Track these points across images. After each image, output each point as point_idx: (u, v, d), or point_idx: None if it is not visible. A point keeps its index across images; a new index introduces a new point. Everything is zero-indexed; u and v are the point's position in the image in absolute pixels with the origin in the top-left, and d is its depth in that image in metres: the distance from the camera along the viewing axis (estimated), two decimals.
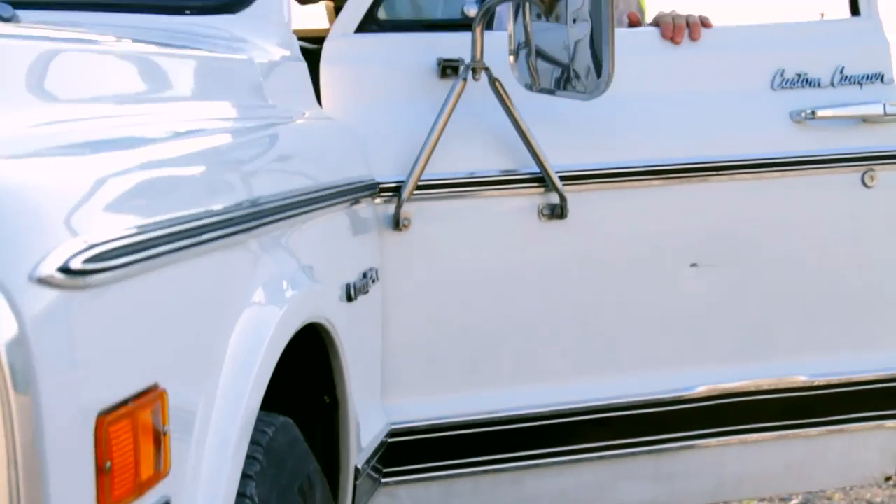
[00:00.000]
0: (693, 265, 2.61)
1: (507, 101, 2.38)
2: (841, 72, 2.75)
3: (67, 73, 1.58)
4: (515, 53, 2.33)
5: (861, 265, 2.78)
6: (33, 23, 2.22)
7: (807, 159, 2.69)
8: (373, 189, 2.30)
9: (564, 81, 2.24)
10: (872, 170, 2.74)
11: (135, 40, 2.10)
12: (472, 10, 2.50)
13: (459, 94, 2.33)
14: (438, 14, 2.77)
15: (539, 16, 2.24)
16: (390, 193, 2.34)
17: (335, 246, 2.14)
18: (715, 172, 2.61)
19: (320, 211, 1.99)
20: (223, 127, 1.82)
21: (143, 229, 1.31)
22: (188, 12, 2.30)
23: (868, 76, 2.76)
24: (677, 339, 2.63)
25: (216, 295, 1.55)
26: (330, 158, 2.22)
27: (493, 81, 2.37)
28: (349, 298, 2.11)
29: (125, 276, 1.26)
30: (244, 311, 1.60)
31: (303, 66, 2.33)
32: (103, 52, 1.82)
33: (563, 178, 2.46)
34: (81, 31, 2.17)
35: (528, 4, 2.27)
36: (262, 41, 2.27)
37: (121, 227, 1.28)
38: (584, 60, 2.19)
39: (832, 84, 2.74)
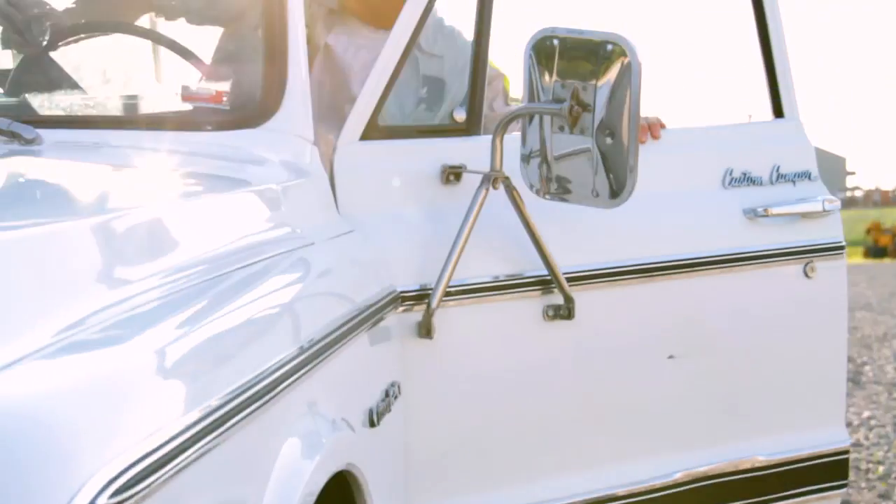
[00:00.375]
0: (671, 357, 2.76)
1: (523, 209, 2.45)
2: (777, 170, 2.96)
3: (77, 253, 1.48)
4: (527, 159, 2.40)
5: (806, 350, 2.99)
6: (55, 144, 2.20)
7: (761, 254, 2.89)
8: (396, 300, 2.34)
9: (583, 190, 2.33)
10: (812, 262, 2.95)
11: (150, 176, 2.08)
12: (460, 115, 2.58)
13: (482, 204, 2.39)
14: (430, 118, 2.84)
15: (561, 128, 2.31)
16: (412, 302, 2.39)
17: (359, 371, 2.10)
18: (689, 269, 2.76)
19: (350, 339, 1.96)
20: (247, 276, 1.73)
21: (175, 433, 1.24)
22: (209, 128, 2.30)
23: (798, 174, 2.99)
24: (661, 427, 2.76)
25: (248, 468, 1.48)
26: (356, 279, 2.24)
27: (511, 190, 2.43)
28: (372, 424, 2.06)
29: (154, 491, 1.18)
30: (272, 478, 1.53)
31: (323, 178, 2.35)
32: (115, 212, 1.70)
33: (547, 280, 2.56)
34: (99, 164, 2.16)
35: (550, 117, 2.33)
36: (282, 157, 2.28)
37: (150, 439, 1.20)
38: (606, 171, 2.28)
39: (771, 182, 2.95)
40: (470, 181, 2.49)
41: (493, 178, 2.40)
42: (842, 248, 3.02)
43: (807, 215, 2.95)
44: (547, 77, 2.32)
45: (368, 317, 2.13)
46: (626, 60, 2.22)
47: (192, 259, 1.66)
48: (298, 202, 2.20)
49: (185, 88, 2.34)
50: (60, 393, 1.16)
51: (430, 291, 2.39)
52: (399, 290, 2.36)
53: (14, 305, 1.30)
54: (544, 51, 2.32)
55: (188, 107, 2.33)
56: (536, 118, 2.37)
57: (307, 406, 1.72)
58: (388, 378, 2.27)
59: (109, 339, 1.33)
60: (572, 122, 2.27)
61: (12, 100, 2.47)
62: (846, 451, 3.06)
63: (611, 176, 2.28)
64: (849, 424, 6.28)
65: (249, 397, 1.44)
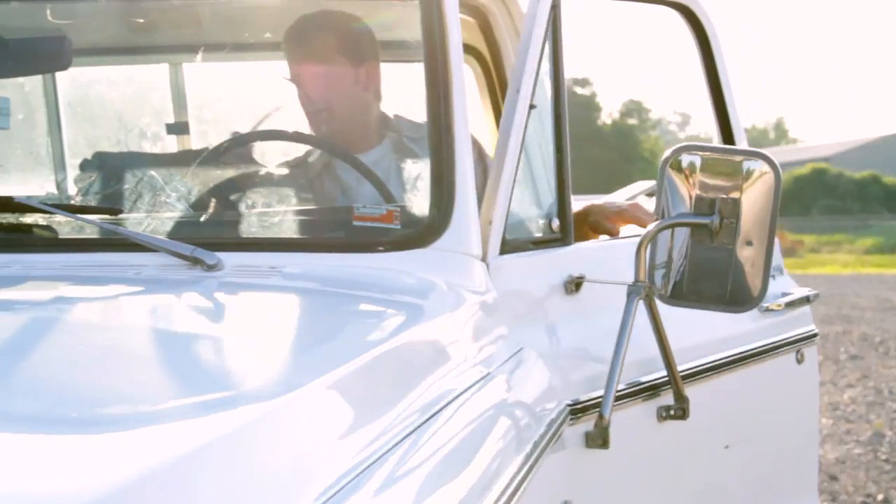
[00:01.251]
0: (727, 447, 2.97)
1: (658, 317, 2.49)
2: None
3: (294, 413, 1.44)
4: (653, 265, 2.43)
5: (798, 428, 3.37)
6: (234, 269, 2.17)
7: (773, 345, 3.17)
8: (568, 414, 2.33)
9: (714, 297, 2.41)
10: (801, 349, 3.27)
11: (334, 311, 2.07)
12: (557, 224, 2.62)
13: (635, 314, 2.41)
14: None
15: (701, 239, 2.38)
16: (581, 413, 2.39)
17: (544, 497, 2.07)
18: (733, 364, 2.97)
19: (537, 466, 1.95)
20: (441, 423, 1.69)
21: None
22: (381, 249, 2.27)
23: (774, 268, 3.20)
24: None
25: None
26: (537, 401, 2.21)
27: (650, 301, 2.45)
28: None
29: None
30: None
31: (493, 295, 2.33)
32: (323, 362, 1.68)
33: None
34: (282, 294, 2.13)
35: (690, 228, 2.39)
36: (454, 280, 2.25)
37: None
38: (741, 278, 2.37)
39: None
40: (585, 289, 2.58)
41: (643, 290, 2.42)
42: (816, 335, 3.40)
43: (790, 305, 3.26)
44: (685, 190, 2.39)
45: (550, 438, 2.13)
46: (767, 174, 2.35)
47: (389, 415, 1.63)
48: (469, 328, 2.18)
49: (356, 207, 2.30)
50: None
51: (585, 402, 2.41)
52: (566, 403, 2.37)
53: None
54: (682, 166, 2.40)
55: (360, 226, 2.30)
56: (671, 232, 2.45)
57: None
58: (562, 497, 2.25)
59: None
60: (716, 233, 2.35)
61: (192, 216, 2.41)
62: None
63: (745, 283, 2.38)
64: None
65: None
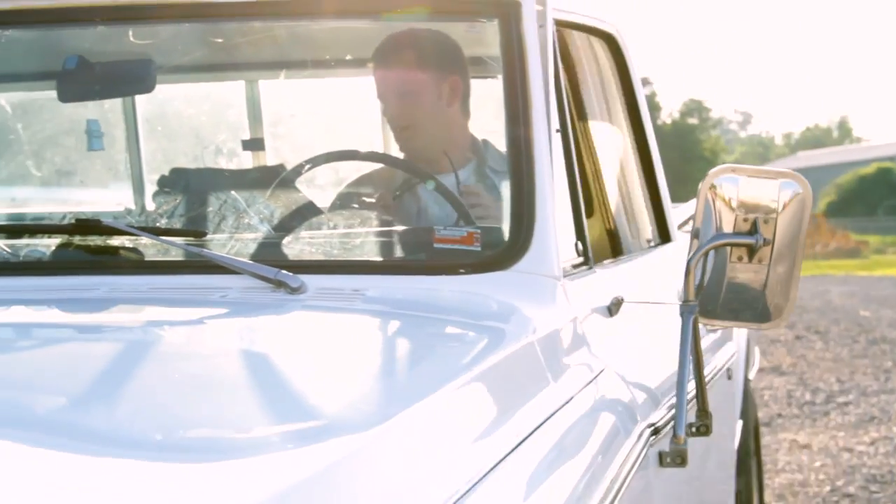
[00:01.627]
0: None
1: (698, 341, 2.46)
2: None
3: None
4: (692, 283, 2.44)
5: (731, 440, 3.71)
6: (318, 292, 2.18)
7: (722, 366, 3.39)
8: (650, 433, 2.33)
9: (747, 314, 2.42)
10: (730, 367, 3.56)
11: (419, 336, 2.09)
12: (579, 247, 2.64)
13: (691, 332, 2.39)
14: None
15: (740, 258, 2.39)
16: (655, 436, 2.40)
17: None
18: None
19: (626, 485, 1.96)
20: (533, 450, 1.71)
21: None
22: (462, 271, 2.28)
23: None
24: None
25: None
26: (623, 423, 2.21)
27: (695, 321, 2.41)
28: None
29: None
30: None
31: (573, 316, 2.33)
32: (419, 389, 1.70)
33: None
34: (366, 317, 2.15)
35: (729, 248, 2.39)
36: (533, 302, 2.26)
37: None
38: (772, 295, 2.39)
39: None
40: (622, 310, 2.61)
41: (696, 309, 2.40)
42: (735, 352, 3.69)
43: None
44: (722, 210, 2.40)
45: (636, 458, 2.14)
46: (800, 194, 2.37)
47: (483, 440, 1.64)
48: (558, 349, 2.20)
49: (437, 229, 2.32)
50: None
51: (654, 423, 2.42)
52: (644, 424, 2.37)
53: None
54: (723, 186, 2.40)
55: (441, 248, 2.31)
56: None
57: None
58: None
59: None
60: (751, 251, 2.37)
61: (274, 238, 2.44)
62: None
63: (777, 299, 2.40)
64: None
65: None
